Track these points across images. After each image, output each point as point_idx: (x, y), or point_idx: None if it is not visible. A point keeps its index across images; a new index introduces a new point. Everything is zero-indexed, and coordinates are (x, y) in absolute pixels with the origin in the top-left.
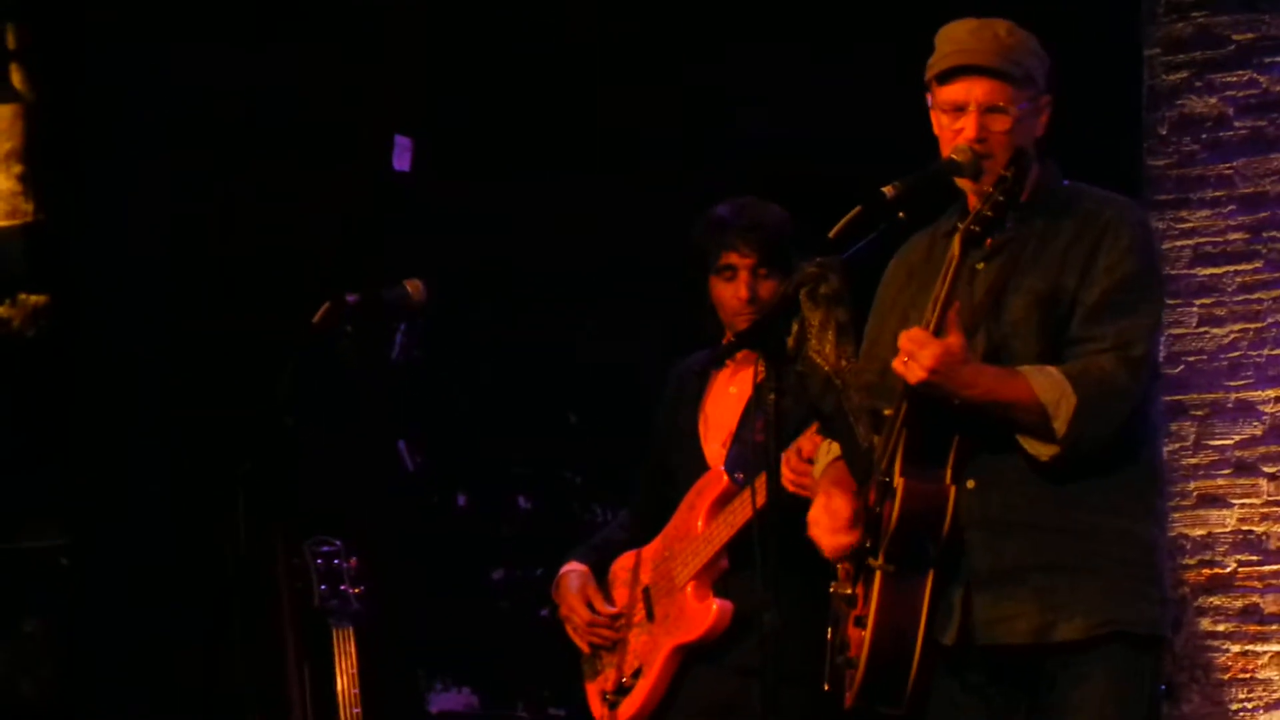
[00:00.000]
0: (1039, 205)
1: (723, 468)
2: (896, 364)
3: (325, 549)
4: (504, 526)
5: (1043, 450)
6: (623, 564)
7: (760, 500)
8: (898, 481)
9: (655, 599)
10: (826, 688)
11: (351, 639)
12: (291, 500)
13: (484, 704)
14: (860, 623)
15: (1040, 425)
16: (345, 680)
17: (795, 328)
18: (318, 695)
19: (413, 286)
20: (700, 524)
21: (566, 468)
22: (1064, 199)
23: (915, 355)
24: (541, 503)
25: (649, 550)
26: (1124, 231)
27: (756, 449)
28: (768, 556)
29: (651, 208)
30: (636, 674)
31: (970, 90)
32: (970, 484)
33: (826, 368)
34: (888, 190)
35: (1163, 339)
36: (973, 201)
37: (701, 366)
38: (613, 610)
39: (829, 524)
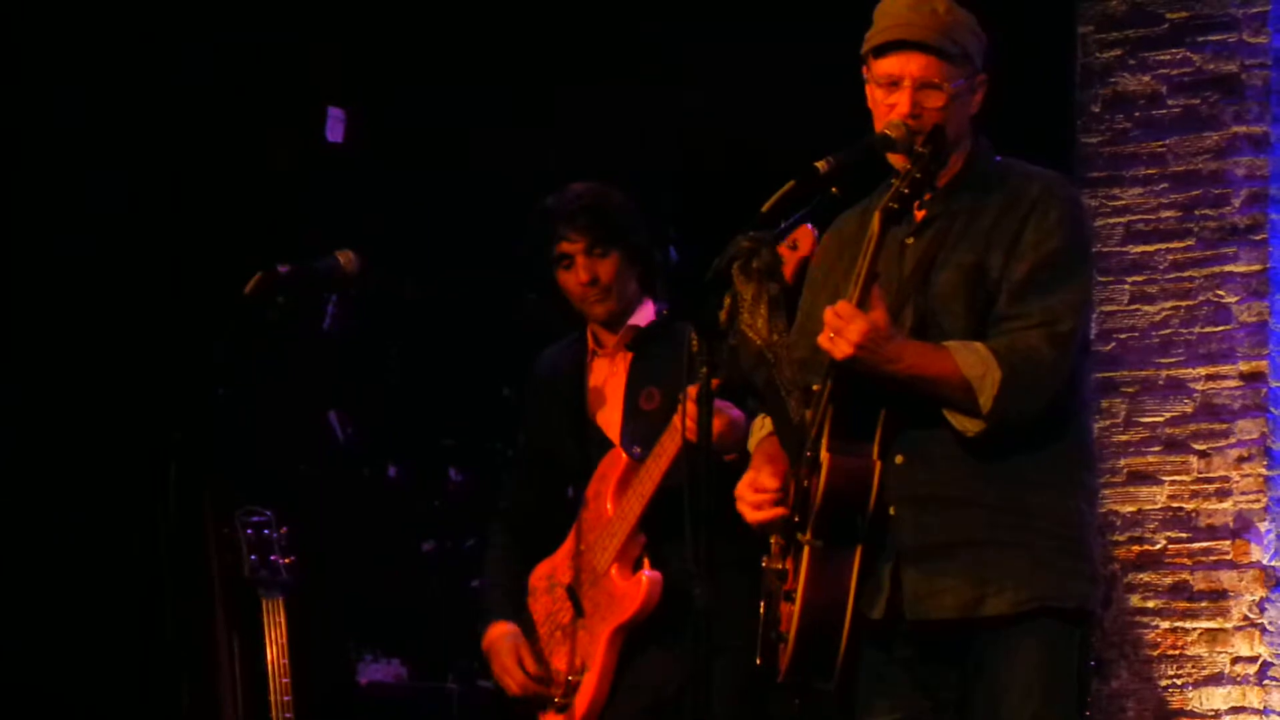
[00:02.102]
0: (969, 180)
1: (618, 446)
2: (822, 339)
3: (255, 519)
4: (435, 498)
5: (969, 425)
6: (539, 574)
7: (666, 462)
8: (824, 457)
9: (581, 594)
10: (759, 661)
11: (281, 609)
12: (221, 470)
13: (414, 675)
14: (790, 598)
15: (966, 401)
16: (275, 651)
17: (727, 301)
18: (247, 665)
19: (344, 257)
20: (610, 507)
21: (497, 440)
22: (994, 174)
23: (841, 330)
24: (472, 475)
25: (562, 551)
26: (1052, 207)
27: (648, 418)
28: (697, 532)
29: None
30: (581, 670)
31: (905, 65)
32: (898, 459)
33: (759, 342)
34: (820, 165)
35: (1094, 316)
36: (902, 174)
37: (576, 354)
38: (538, 671)
39: (753, 499)
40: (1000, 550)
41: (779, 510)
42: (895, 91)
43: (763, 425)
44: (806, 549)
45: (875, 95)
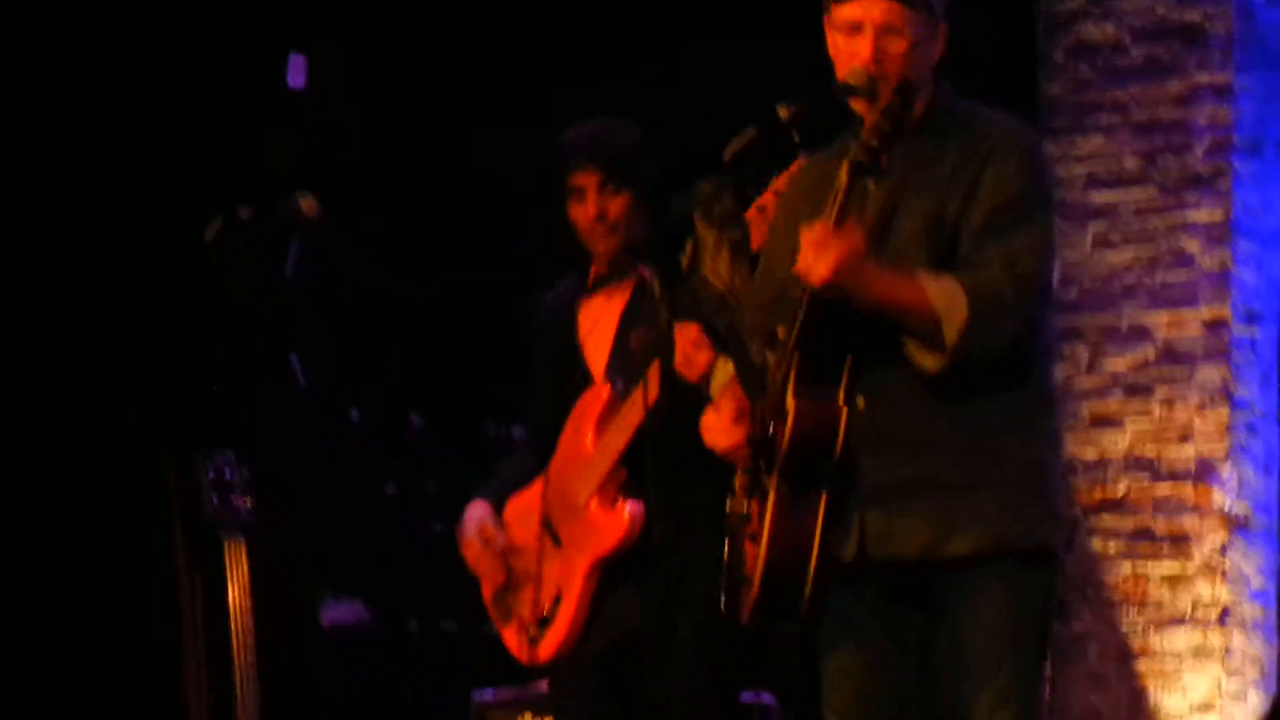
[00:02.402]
0: (930, 126)
1: (604, 380)
2: (800, 263)
3: (217, 461)
4: (397, 441)
5: (929, 360)
6: (514, 505)
7: (651, 399)
8: (790, 402)
9: (558, 525)
10: (723, 603)
11: (243, 551)
12: (184, 412)
13: (376, 617)
14: (755, 539)
15: (931, 333)
16: (237, 591)
17: (689, 247)
18: (209, 606)
19: (306, 202)
20: (589, 440)
21: (460, 382)
22: (956, 120)
23: (820, 254)
24: (434, 418)
25: (540, 482)
26: (1012, 152)
27: (636, 357)
28: (655, 470)
29: (542, 104)
30: (556, 601)
31: (867, 11)
32: (861, 401)
33: (721, 286)
34: (782, 112)
35: (1057, 263)
36: (869, 126)
37: (574, 292)
38: (507, 542)
39: (717, 423)
40: (964, 491)
41: (744, 429)
42: (856, 38)
43: (724, 368)
44: (772, 492)
45: (836, 42)
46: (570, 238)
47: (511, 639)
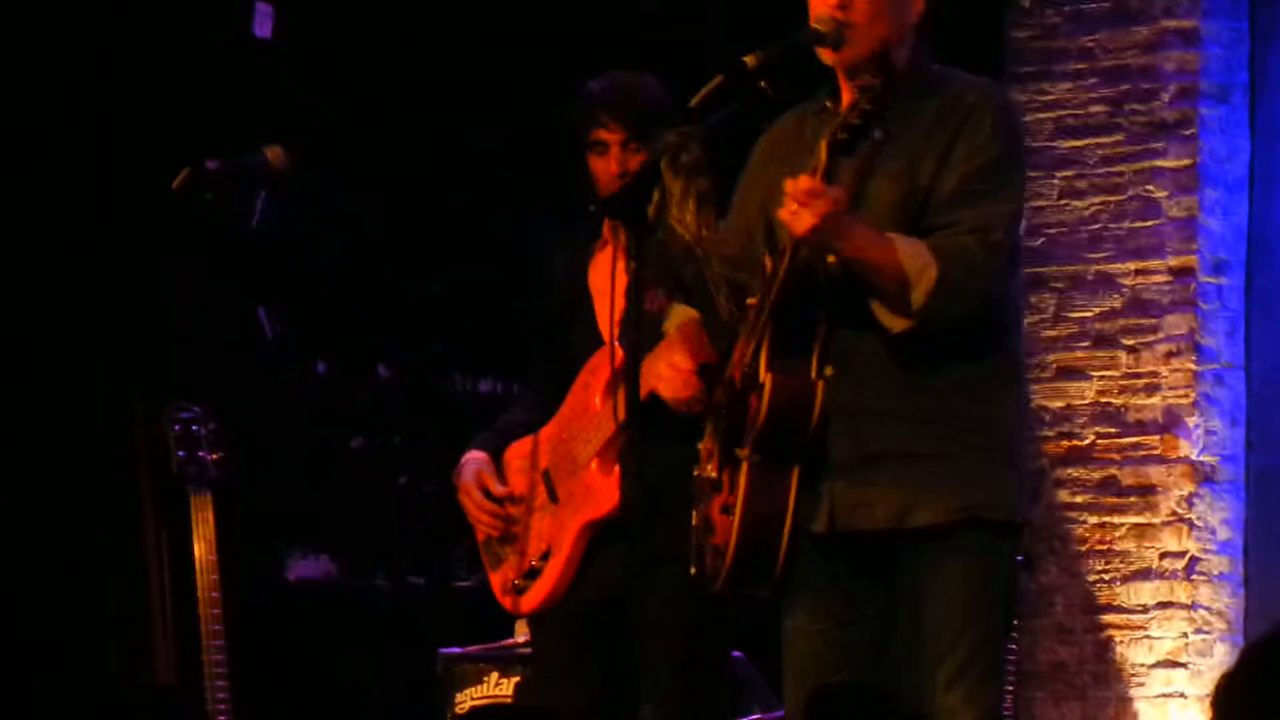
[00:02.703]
0: (906, 87)
1: (617, 343)
2: (783, 213)
3: (183, 415)
4: (363, 394)
5: (895, 322)
6: (515, 451)
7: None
8: (764, 376)
9: (557, 480)
10: (693, 570)
11: (209, 505)
12: (150, 366)
13: (342, 572)
14: (727, 510)
15: (899, 294)
16: (203, 546)
17: (656, 196)
18: (175, 561)
19: (273, 153)
20: (598, 400)
21: (427, 336)
22: (930, 82)
23: (808, 204)
24: (402, 371)
25: (544, 433)
26: (986, 117)
27: (649, 318)
28: (629, 430)
29: (518, 69)
30: (544, 556)
31: None
32: (828, 371)
33: (688, 236)
34: (749, 60)
35: (1024, 214)
36: (844, 85)
37: (585, 242)
38: (506, 492)
39: (669, 375)
40: (929, 462)
41: (696, 389)
42: None
43: (682, 310)
44: (745, 464)
45: None
46: (585, 185)
47: (497, 584)
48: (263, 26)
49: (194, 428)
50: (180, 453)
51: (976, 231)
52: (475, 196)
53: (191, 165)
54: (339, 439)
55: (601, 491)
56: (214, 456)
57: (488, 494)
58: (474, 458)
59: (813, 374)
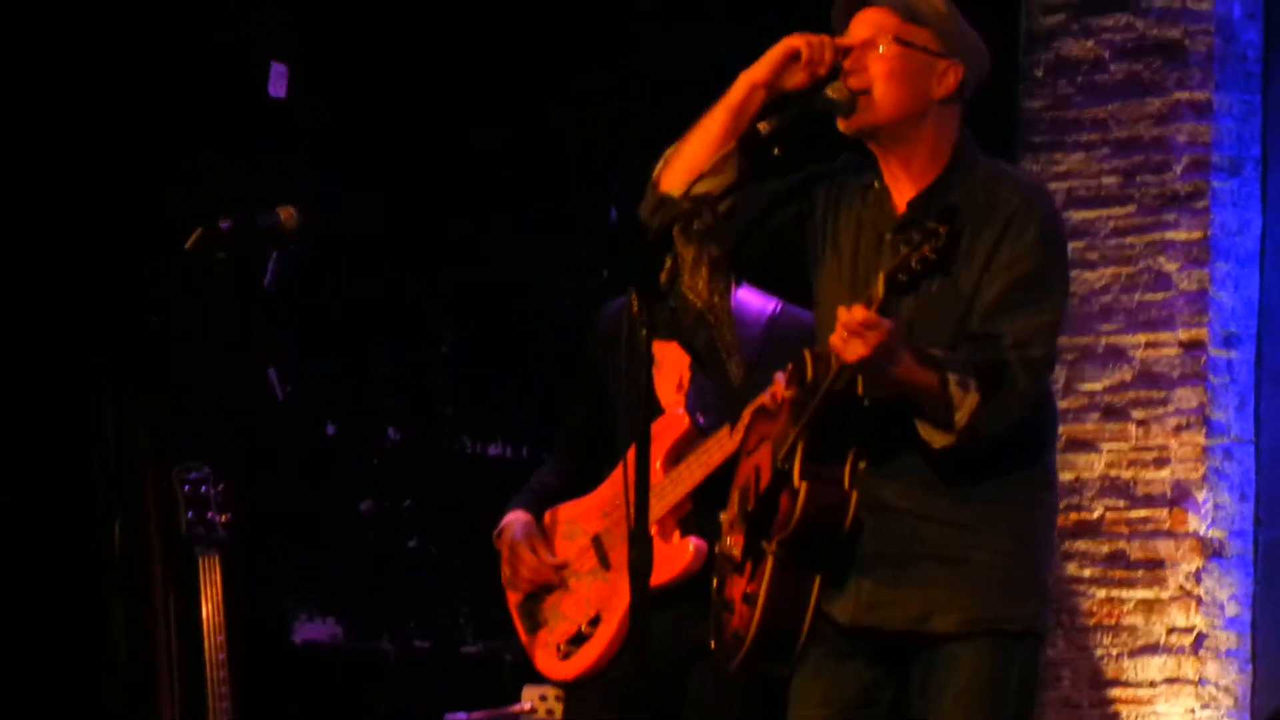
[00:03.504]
0: (951, 183)
1: (683, 410)
2: (835, 339)
3: (193, 475)
4: (373, 457)
5: (937, 438)
6: (558, 516)
7: (739, 437)
8: (799, 483)
9: (610, 546)
10: (713, 645)
11: (217, 566)
12: (160, 426)
13: (349, 635)
14: (749, 600)
15: (942, 414)
16: (210, 607)
17: (669, 263)
18: (183, 622)
19: (286, 213)
20: (658, 467)
21: (437, 399)
22: (978, 180)
23: (861, 335)
24: (411, 434)
25: (593, 499)
26: (1030, 224)
27: (717, 391)
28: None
29: (530, 133)
30: (594, 622)
31: (859, 23)
32: (862, 465)
33: (699, 303)
34: (762, 127)
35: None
36: (882, 163)
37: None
38: (557, 561)
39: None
40: (953, 567)
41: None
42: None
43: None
44: (770, 559)
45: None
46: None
47: (535, 649)
48: (277, 86)
49: (203, 488)
50: (189, 513)
51: (1017, 347)
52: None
53: (205, 225)
54: (348, 501)
55: (666, 559)
56: (223, 517)
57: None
58: (519, 519)
59: (846, 483)
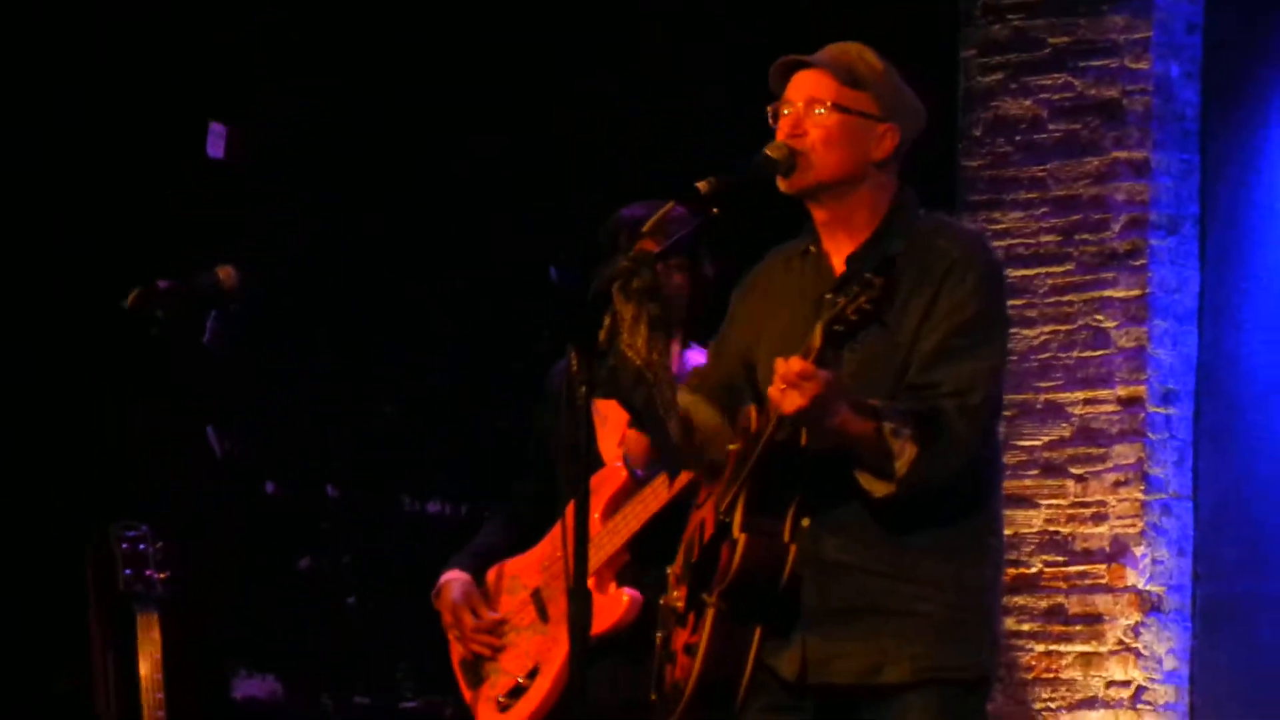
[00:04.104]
0: (889, 234)
1: (620, 464)
2: (773, 392)
3: (131, 533)
4: (312, 515)
5: (877, 487)
6: (500, 571)
7: (677, 487)
8: (739, 535)
9: (549, 599)
10: (653, 697)
11: (156, 624)
12: (98, 484)
13: (289, 692)
14: (690, 651)
15: (881, 463)
16: (149, 665)
17: (608, 321)
18: (121, 679)
19: (224, 273)
20: (597, 518)
21: (377, 457)
22: (917, 232)
23: (797, 386)
24: (350, 491)
25: (533, 554)
26: (970, 272)
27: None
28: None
29: (477, 189)
30: (532, 674)
31: (798, 84)
32: (805, 522)
33: (638, 361)
34: (701, 186)
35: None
36: (819, 225)
37: None
38: (497, 616)
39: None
40: (901, 618)
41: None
42: (786, 112)
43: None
44: (710, 611)
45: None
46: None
47: (479, 704)
48: (215, 146)
49: (141, 546)
50: (127, 571)
51: (956, 395)
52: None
53: (143, 284)
54: (287, 558)
55: (601, 610)
56: (161, 575)
57: (475, 617)
58: (457, 578)
59: (786, 536)
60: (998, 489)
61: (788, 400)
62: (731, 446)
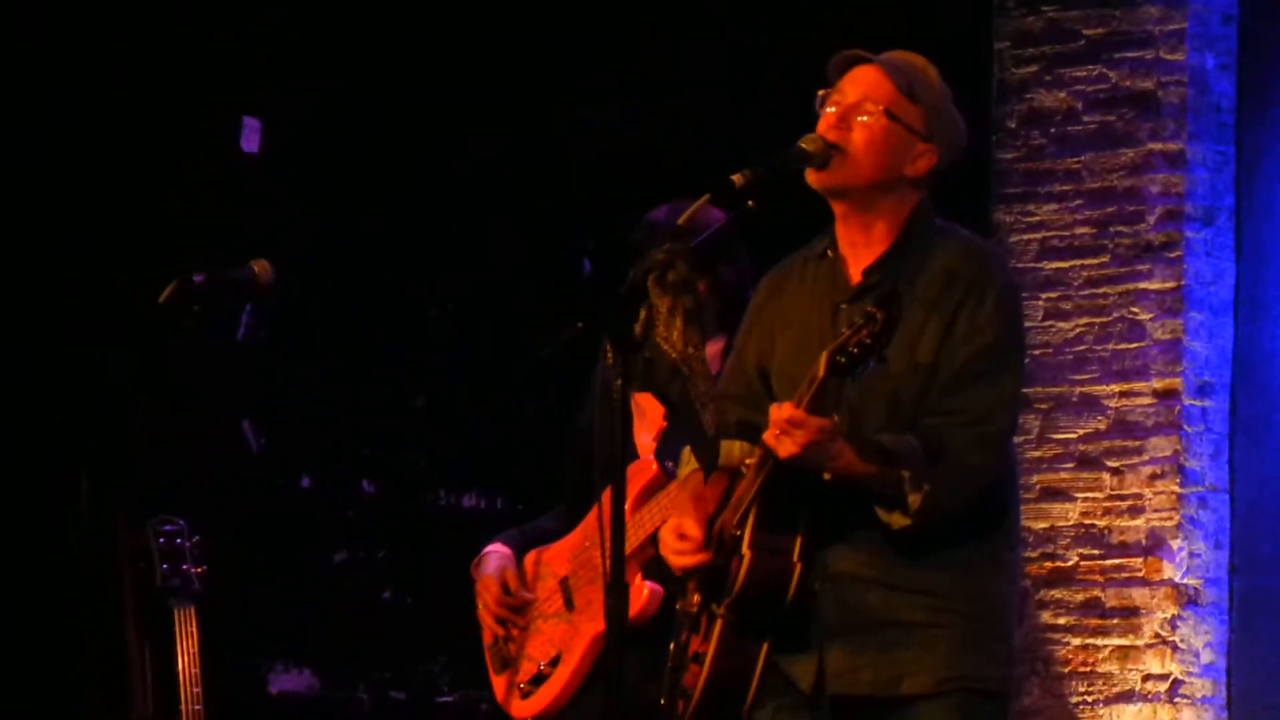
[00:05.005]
0: (906, 249)
1: (652, 457)
2: (768, 437)
3: (167, 528)
4: (348, 509)
5: (895, 520)
6: (536, 557)
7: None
8: (746, 551)
9: (575, 588)
10: (663, 701)
11: (193, 619)
12: (134, 479)
13: (325, 686)
14: (698, 659)
15: (896, 498)
16: (186, 660)
17: (643, 314)
18: (158, 675)
19: (259, 267)
20: (627, 510)
21: (411, 450)
22: (931, 247)
23: (789, 433)
24: (386, 485)
25: (565, 543)
26: (988, 295)
27: (691, 442)
28: (614, 543)
29: (501, 189)
30: (554, 662)
31: (855, 79)
32: (816, 539)
33: (673, 354)
34: (736, 178)
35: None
36: (840, 227)
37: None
38: (527, 596)
39: (675, 546)
40: (919, 631)
41: (702, 557)
42: (829, 108)
43: (689, 459)
44: (719, 622)
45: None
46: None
47: (500, 688)
48: (249, 141)
49: (178, 540)
50: (164, 565)
51: (974, 424)
52: (460, 309)
53: (178, 279)
54: (323, 553)
55: None
56: (198, 570)
57: (506, 592)
58: (497, 550)
59: (795, 554)
60: (1015, 505)
61: (781, 447)
62: (749, 460)
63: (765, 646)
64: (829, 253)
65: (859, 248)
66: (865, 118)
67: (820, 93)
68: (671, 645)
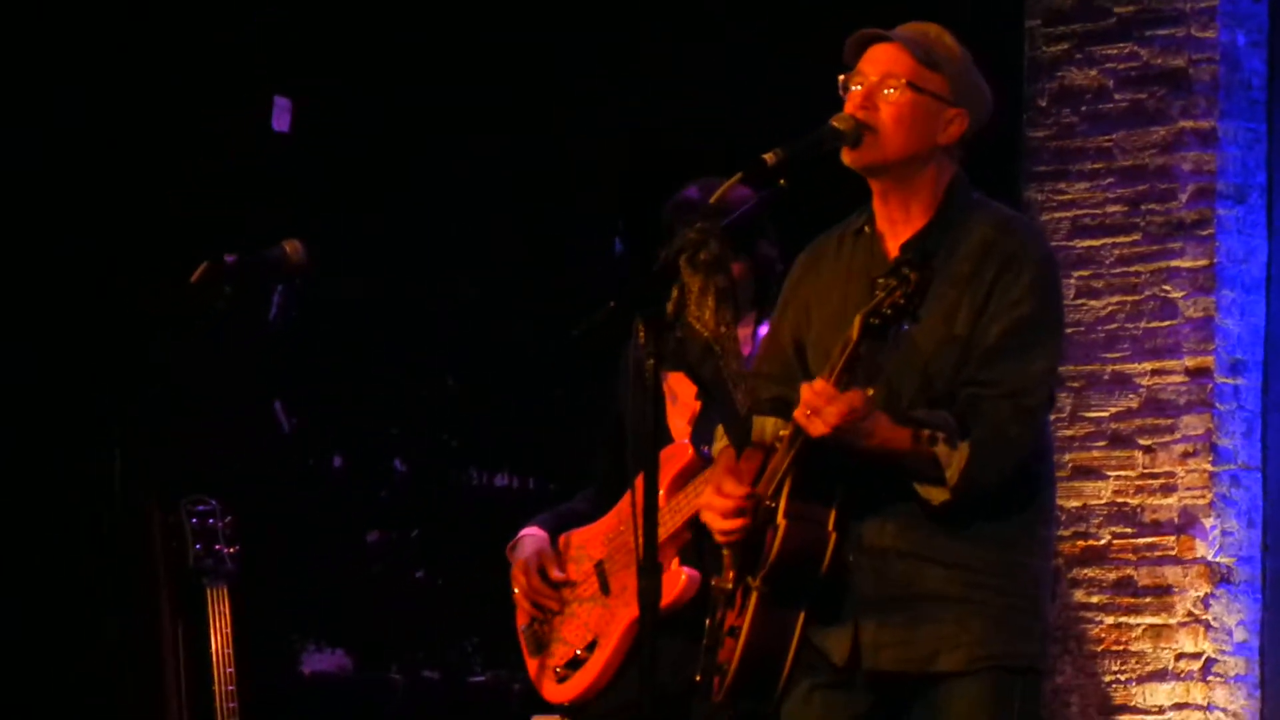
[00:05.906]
0: (943, 222)
1: (688, 441)
2: (799, 415)
3: (200, 508)
4: (380, 489)
5: (934, 495)
6: (571, 539)
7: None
8: (780, 521)
9: (611, 572)
10: (698, 678)
11: (226, 598)
12: (167, 459)
13: (357, 666)
14: (734, 633)
15: (933, 473)
16: (219, 640)
17: (675, 293)
18: (191, 654)
19: (291, 247)
20: (662, 496)
21: (443, 430)
22: (971, 220)
23: (820, 410)
24: (418, 465)
25: (600, 526)
26: (1026, 268)
27: (724, 422)
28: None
29: (527, 169)
30: (590, 646)
31: (873, 58)
32: (851, 510)
33: (705, 333)
34: (768, 157)
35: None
36: (879, 203)
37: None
38: (563, 578)
39: (721, 505)
40: (955, 606)
41: (744, 520)
42: (857, 86)
43: (721, 437)
44: (755, 595)
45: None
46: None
47: (535, 670)
48: (281, 120)
49: (210, 521)
50: (197, 545)
51: (1012, 396)
52: (490, 290)
53: (210, 259)
54: (355, 533)
55: (660, 584)
56: (230, 549)
57: (544, 576)
58: (533, 534)
59: (830, 524)
60: (1050, 481)
61: (813, 426)
62: (783, 431)
63: (800, 618)
64: (866, 229)
65: (898, 224)
66: (890, 92)
67: (841, 77)
68: (707, 622)
